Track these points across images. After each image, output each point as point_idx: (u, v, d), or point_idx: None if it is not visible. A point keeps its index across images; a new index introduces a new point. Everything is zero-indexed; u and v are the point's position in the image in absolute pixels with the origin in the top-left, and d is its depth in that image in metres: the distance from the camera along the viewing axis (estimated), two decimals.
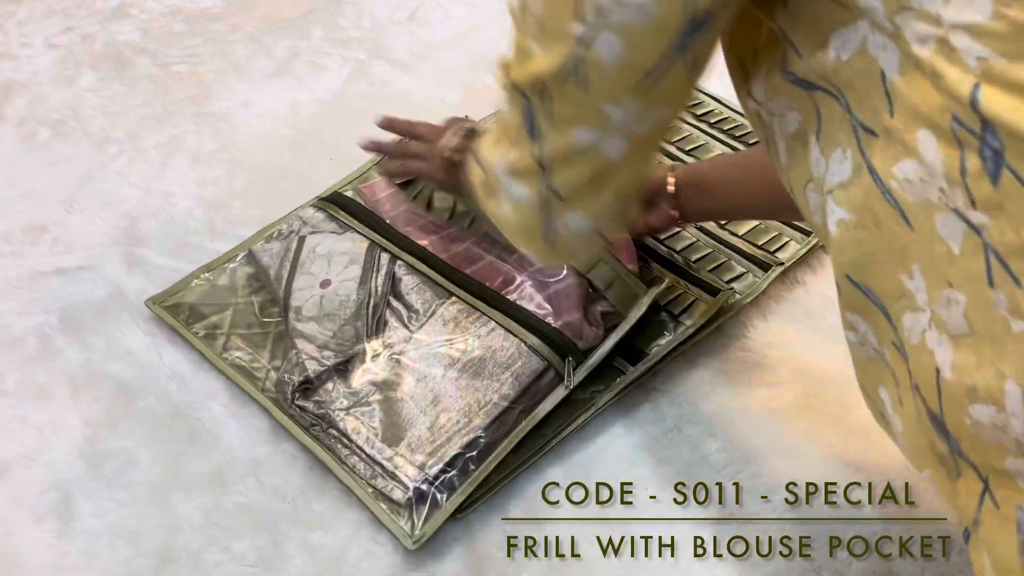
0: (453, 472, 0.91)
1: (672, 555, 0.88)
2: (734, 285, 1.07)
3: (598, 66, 0.56)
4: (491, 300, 1.02)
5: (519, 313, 1.00)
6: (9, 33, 1.51)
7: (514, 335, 0.98)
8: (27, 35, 1.50)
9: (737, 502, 0.91)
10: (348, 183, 1.20)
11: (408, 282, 1.05)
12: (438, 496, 0.89)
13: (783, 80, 0.58)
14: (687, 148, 1.24)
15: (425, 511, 0.88)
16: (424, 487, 0.89)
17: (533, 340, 0.98)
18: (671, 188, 0.99)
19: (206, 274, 1.10)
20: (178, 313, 1.06)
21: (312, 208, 1.16)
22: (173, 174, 1.27)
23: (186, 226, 1.20)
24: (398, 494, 0.89)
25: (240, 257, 1.12)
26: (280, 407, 0.97)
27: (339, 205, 1.15)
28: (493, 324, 0.99)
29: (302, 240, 1.10)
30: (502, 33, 1.47)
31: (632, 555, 0.88)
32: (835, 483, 0.91)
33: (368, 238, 1.10)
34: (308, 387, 0.97)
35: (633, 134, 0.61)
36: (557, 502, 0.92)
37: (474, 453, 0.92)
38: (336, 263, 1.07)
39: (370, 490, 0.90)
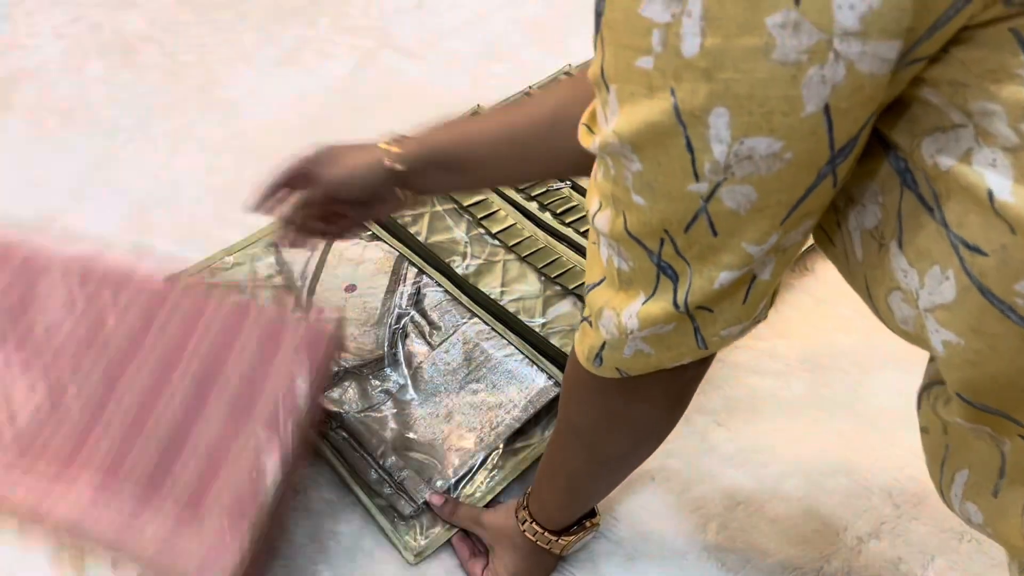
0: (460, 490, 0.91)
1: (678, 546, 0.88)
2: None
3: (728, 214, 0.51)
4: (511, 324, 1.02)
5: (537, 338, 1.01)
6: (17, 23, 1.51)
7: (531, 360, 0.98)
8: (35, 25, 1.50)
9: (745, 491, 0.91)
10: None
11: (432, 299, 1.05)
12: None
13: (887, 166, 0.52)
14: None
15: (427, 526, 0.89)
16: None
17: (549, 366, 0.98)
18: (399, 168, 0.85)
19: (227, 257, 1.11)
20: None
21: None
22: (181, 162, 1.27)
23: (194, 214, 1.20)
24: (404, 507, 0.89)
25: (262, 245, 1.12)
26: None
27: None
28: (512, 348, 0.99)
29: (330, 242, 1.10)
30: (510, 21, 1.47)
31: (638, 549, 0.88)
32: (846, 472, 0.91)
33: (396, 250, 1.10)
34: None
35: (780, 252, 0.55)
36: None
37: (483, 473, 0.92)
38: (364, 269, 1.07)
39: (377, 499, 0.90)
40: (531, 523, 0.82)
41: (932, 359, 0.63)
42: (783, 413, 0.97)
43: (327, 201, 0.87)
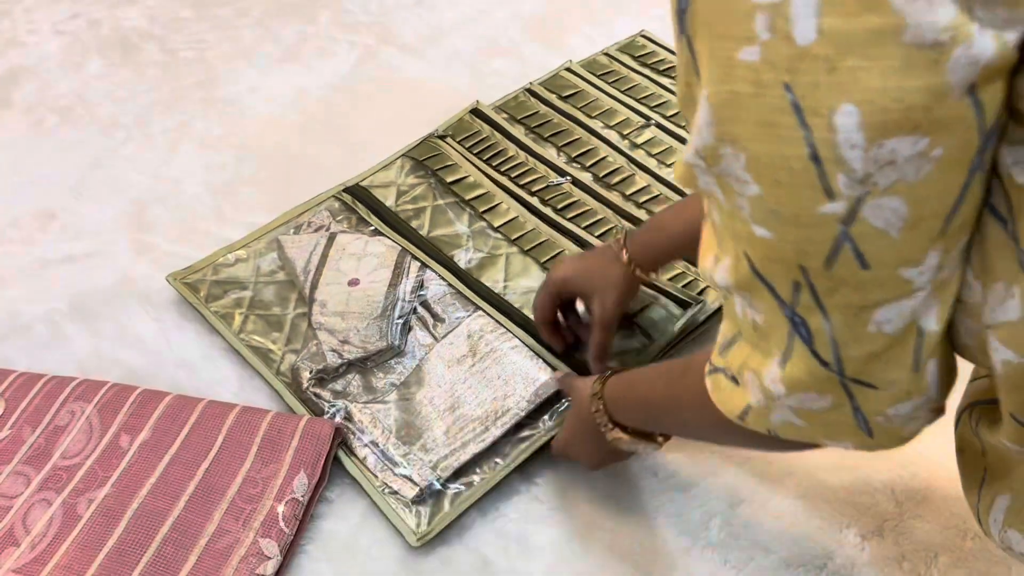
0: (464, 477, 0.91)
1: (681, 543, 0.87)
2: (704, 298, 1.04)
3: (876, 235, 0.43)
4: (516, 318, 1.02)
5: None
6: (16, 19, 1.50)
7: (536, 353, 0.98)
8: (34, 21, 1.50)
9: (747, 488, 0.90)
10: (371, 174, 1.19)
11: (436, 291, 1.05)
12: (446, 498, 0.89)
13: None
14: (668, 114, 1.25)
15: (430, 510, 0.88)
16: (435, 486, 0.89)
17: (553, 360, 0.98)
18: (625, 258, 0.92)
19: (229, 254, 1.10)
20: (197, 291, 1.06)
21: (336, 200, 1.16)
22: (181, 160, 1.27)
23: (195, 212, 1.20)
24: (407, 490, 0.89)
25: (265, 241, 1.12)
26: (294, 392, 0.97)
27: (361, 200, 1.15)
28: (516, 341, 0.99)
29: (332, 237, 1.10)
30: (510, 17, 1.46)
31: (642, 545, 0.88)
32: (849, 468, 0.91)
33: (398, 244, 1.10)
34: (323, 377, 0.97)
35: (941, 286, 0.48)
36: (574, 484, 0.91)
37: (487, 461, 0.92)
38: (366, 263, 1.07)
39: (378, 483, 0.90)
40: (600, 400, 0.79)
41: (974, 379, 0.61)
42: None
43: (561, 299, 0.97)
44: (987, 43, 0.38)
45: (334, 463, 0.93)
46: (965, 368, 0.57)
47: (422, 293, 1.05)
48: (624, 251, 0.92)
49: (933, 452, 0.91)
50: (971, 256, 0.47)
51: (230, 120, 1.33)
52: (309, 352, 0.99)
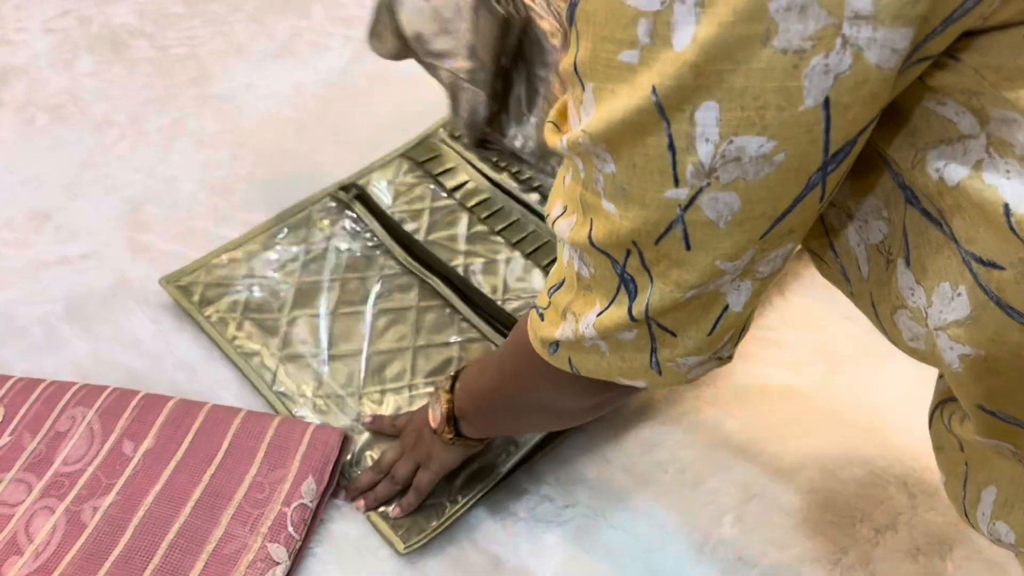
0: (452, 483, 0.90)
1: (694, 539, 0.87)
2: None
3: (705, 224, 0.48)
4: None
5: None
6: (5, 17, 1.48)
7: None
8: (23, 19, 1.48)
9: (759, 483, 0.90)
10: (369, 172, 1.18)
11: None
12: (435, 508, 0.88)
13: (889, 180, 0.49)
14: None
15: (422, 520, 0.87)
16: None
17: None
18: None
19: (223, 255, 1.09)
20: (191, 295, 1.05)
21: (331, 199, 1.14)
22: (176, 158, 1.25)
23: (191, 211, 1.18)
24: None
25: (260, 241, 1.10)
26: (288, 407, 0.96)
27: (359, 199, 1.14)
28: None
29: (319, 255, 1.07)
30: None
31: (654, 543, 0.87)
32: (860, 462, 0.90)
33: (378, 238, 1.09)
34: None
35: (755, 278, 0.52)
36: (584, 481, 0.91)
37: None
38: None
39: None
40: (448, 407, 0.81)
41: (941, 376, 0.62)
42: (795, 403, 0.96)
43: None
44: (845, 58, 0.40)
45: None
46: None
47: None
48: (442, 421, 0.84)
49: None
50: (910, 263, 0.50)
51: (225, 117, 1.31)
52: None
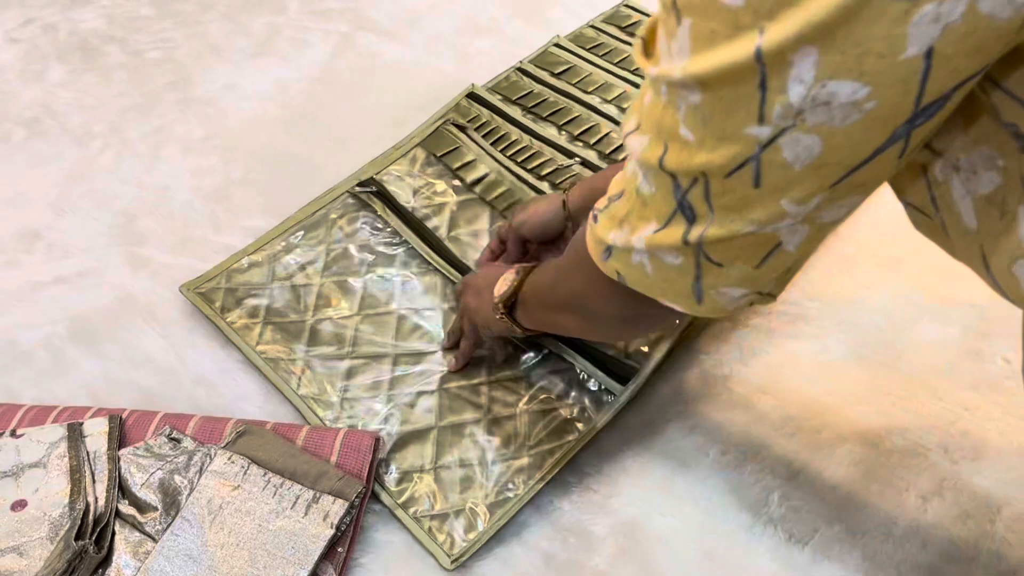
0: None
1: (743, 520, 0.86)
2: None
3: (780, 165, 0.47)
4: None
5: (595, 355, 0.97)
6: None
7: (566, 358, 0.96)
8: None
9: (801, 459, 0.90)
10: (385, 166, 1.14)
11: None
12: (481, 515, 0.87)
13: (1001, 129, 0.48)
14: None
15: (464, 528, 0.86)
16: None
17: (607, 379, 0.95)
18: (566, 215, 0.95)
19: (244, 259, 1.06)
20: (212, 302, 1.02)
21: (349, 195, 1.12)
22: (165, 166, 1.21)
23: (187, 220, 1.14)
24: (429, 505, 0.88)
25: (281, 244, 1.07)
26: (314, 411, 0.94)
27: (377, 196, 1.11)
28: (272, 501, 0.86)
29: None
30: None
31: (704, 526, 0.86)
32: (899, 432, 0.90)
33: (400, 235, 1.07)
34: None
35: (815, 223, 0.52)
36: (625, 470, 0.90)
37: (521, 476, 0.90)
38: (28, 479, 0.86)
39: (412, 511, 0.87)
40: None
41: None
42: (826, 376, 0.96)
43: (517, 239, 0.97)
44: (959, 6, 0.40)
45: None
46: None
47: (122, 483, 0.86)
48: (565, 204, 0.95)
49: (979, 408, 0.92)
50: None
51: (210, 121, 1.27)
52: None
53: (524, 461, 0.90)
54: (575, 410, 0.93)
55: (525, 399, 0.94)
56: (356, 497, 0.84)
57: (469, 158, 1.14)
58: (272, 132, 1.25)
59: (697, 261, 0.56)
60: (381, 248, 1.07)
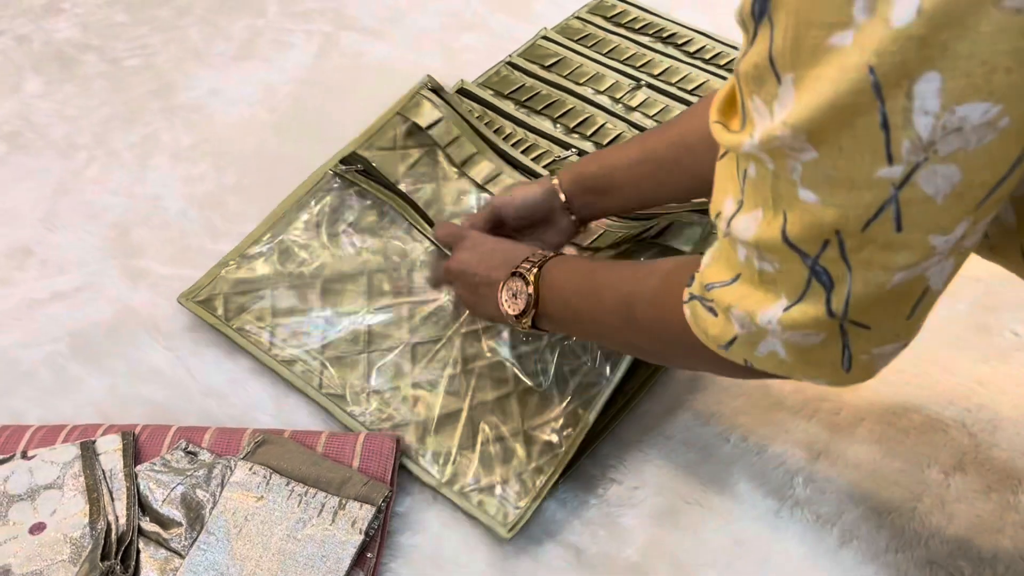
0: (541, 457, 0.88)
1: (770, 504, 0.87)
2: None
3: (921, 201, 0.46)
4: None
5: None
6: None
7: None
8: None
9: (822, 441, 0.90)
10: (365, 139, 1.12)
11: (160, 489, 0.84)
12: (528, 481, 0.86)
13: None
14: (689, 88, 1.22)
15: (514, 497, 0.86)
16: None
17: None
18: (563, 198, 0.93)
19: (232, 263, 1.04)
20: (214, 309, 1.00)
21: (335, 176, 1.10)
22: (154, 176, 1.19)
23: (183, 229, 1.12)
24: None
25: (269, 236, 1.06)
26: (340, 407, 0.92)
27: (364, 173, 1.10)
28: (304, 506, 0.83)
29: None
30: None
31: (732, 513, 0.86)
32: (916, 408, 0.91)
33: (385, 199, 1.06)
34: None
35: (959, 252, 0.50)
36: (648, 460, 0.90)
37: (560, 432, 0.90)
38: (44, 501, 0.84)
39: (457, 487, 0.87)
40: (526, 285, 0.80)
41: None
42: None
43: (497, 224, 0.94)
44: None
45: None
46: None
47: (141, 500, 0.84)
48: (561, 194, 0.93)
49: (992, 381, 0.93)
50: None
51: (197, 127, 1.25)
52: None
53: (560, 422, 0.90)
54: (598, 358, 0.93)
55: (552, 364, 0.94)
56: (383, 501, 0.84)
57: (456, 134, 1.12)
58: (262, 136, 1.23)
59: (842, 330, 0.53)
60: (378, 232, 1.05)
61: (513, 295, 0.82)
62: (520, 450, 0.89)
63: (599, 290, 0.76)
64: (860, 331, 0.53)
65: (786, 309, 0.53)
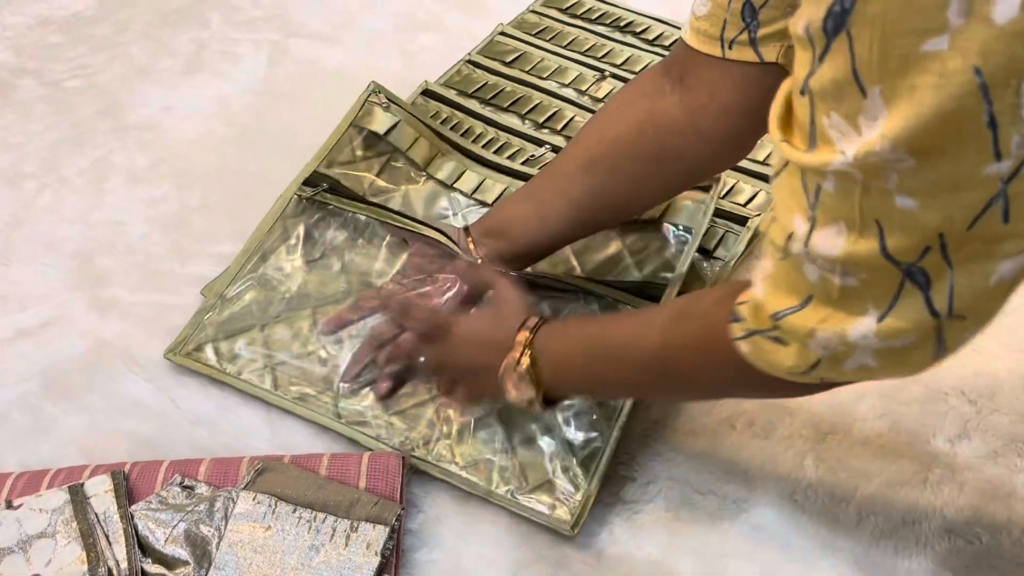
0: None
1: (783, 487, 0.86)
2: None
3: None
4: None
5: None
6: None
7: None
8: None
9: (827, 421, 0.90)
10: (325, 155, 1.08)
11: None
12: (574, 475, 0.86)
13: None
14: (618, 63, 1.23)
15: (564, 495, 0.85)
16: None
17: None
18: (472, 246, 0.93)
19: (217, 302, 0.99)
20: (205, 359, 0.95)
21: (300, 199, 1.06)
22: (112, 200, 1.14)
23: (149, 254, 1.08)
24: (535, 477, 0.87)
25: (247, 276, 1.01)
26: (364, 434, 0.90)
27: (332, 191, 1.06)
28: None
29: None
30: None
31: (747, 499, 0.86)
32: (912, 381, 0.92)
33: (359, 212, 1.04)
34: None
35: None
36: (657, 454, 0.89)
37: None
38: (38, 552, 0.80)
39: (504, 490, 0.86)
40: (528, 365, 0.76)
41: None
42: None
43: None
44: None
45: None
46: None
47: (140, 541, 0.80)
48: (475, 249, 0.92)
49: (985, 347, 0.93)
50: None
51: (151, 146, 1.20)
52: None
53: (594, 415, 0.89)
54: None
55: None
56: (395, 520, 0.81)
57: (413, 136, 1.10)
58: (222, 151, 1.19)
59: (938, 325, 0.52)
60: (358, 251, 1.03)
61: (517, 386, 0.79)
62: (559, 446, 0.88)
63: (617, 352, 0.75)
64: (957, 323, 0.52)
65: (880, 319, 0.52)
